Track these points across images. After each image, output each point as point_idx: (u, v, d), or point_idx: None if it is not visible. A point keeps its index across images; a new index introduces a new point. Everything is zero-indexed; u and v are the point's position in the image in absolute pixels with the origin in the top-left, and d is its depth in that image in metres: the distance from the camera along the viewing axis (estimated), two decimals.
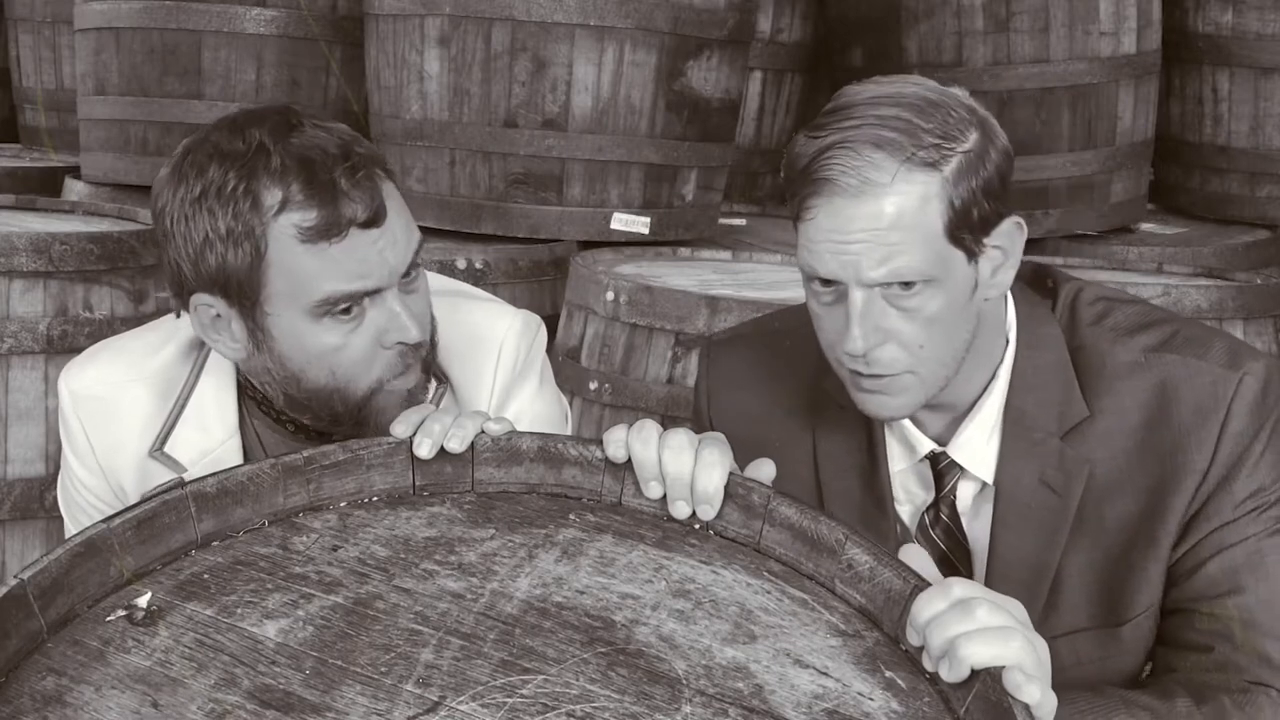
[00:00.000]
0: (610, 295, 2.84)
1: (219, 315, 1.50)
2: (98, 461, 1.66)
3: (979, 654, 1.10)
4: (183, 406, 1.64)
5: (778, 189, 4.96)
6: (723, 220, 4.15)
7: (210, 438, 1.62)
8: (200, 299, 1.49)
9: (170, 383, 1.65)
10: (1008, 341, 1.54)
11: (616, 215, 3.62)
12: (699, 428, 1.69)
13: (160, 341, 1.68)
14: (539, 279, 3.50)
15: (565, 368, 2.92)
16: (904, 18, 4.29)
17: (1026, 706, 1.08)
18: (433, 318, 1.57)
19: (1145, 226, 4.58)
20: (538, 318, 1.75)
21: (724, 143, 3.82)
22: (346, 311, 1.47)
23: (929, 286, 1.41)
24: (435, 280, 1.69)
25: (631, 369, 2.82)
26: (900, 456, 1.59)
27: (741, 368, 1.69)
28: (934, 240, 1.40)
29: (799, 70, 4.88)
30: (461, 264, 3.36)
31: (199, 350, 1.65)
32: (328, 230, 1.43)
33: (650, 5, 3.50)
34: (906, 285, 1.41)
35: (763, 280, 3.11)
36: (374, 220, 1.45)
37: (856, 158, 1.37)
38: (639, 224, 3.63)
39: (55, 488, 2.76)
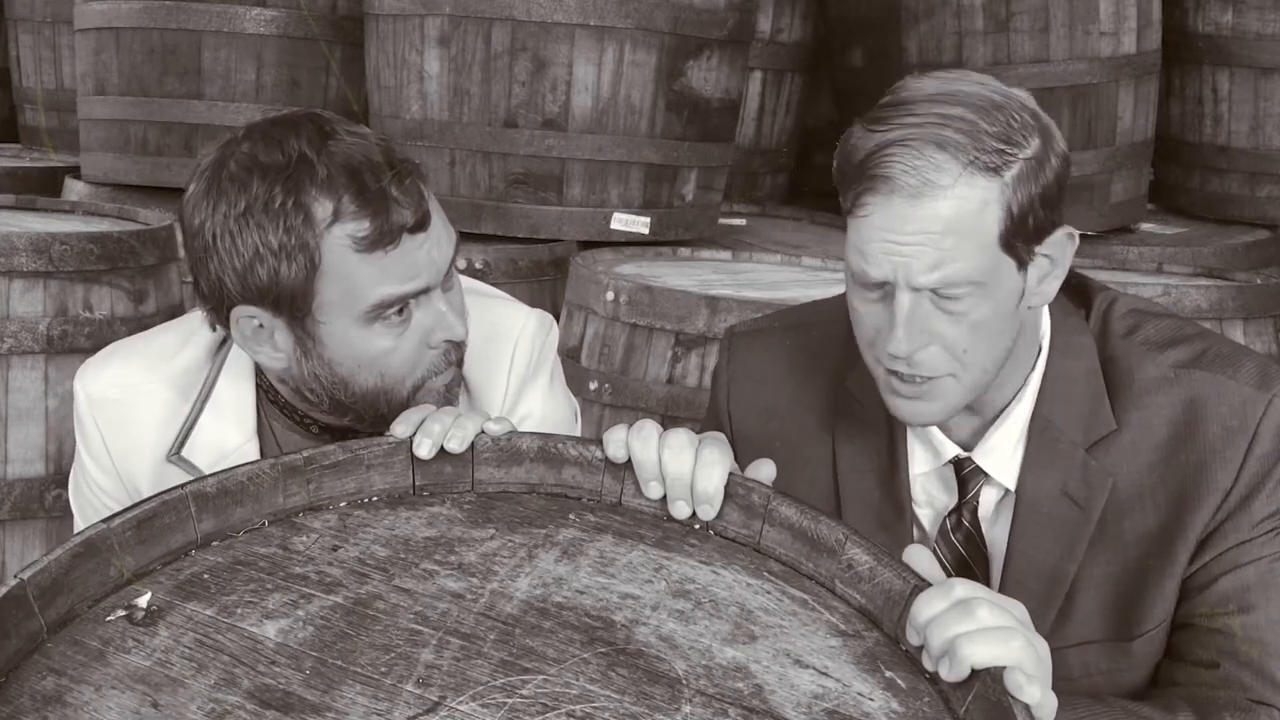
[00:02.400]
0: (610, 295, 2.84)
1: (261, 326, 1.50)
2: (113, 464, 1.66)
3: (979, 654, 1.10)
4: (201, 409, 1.63)
5: (777, 189, 4.96)
6: (723, 220, 4.14)
7: (229, 441, 1.62)
8: (243, 311, 1.49)
9: (189, 385, 1.64)
10: (1040, 349, 1.52)
11: (616, 215, 3.62)
12: (715, 419, 1.68)
13: (177, 344, 1.67)
14: (539, 279, 3.50)
15: (565, 368, 2.91)
16: (904, 18, 4.29)
17: (1027, 707, 1.07)
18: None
19: (1145, 226, 4.57)
20: (550, 316, 1.76)
21: (724, 143, 3.81)
22: (399, 313, 1.48)
23: (977, 291, 1.39)
24: None
25: (631, 369, 2.82)
26: (923, 460, 1.57)
27: (763, 361, 1.67)
28: (987, 247, 1.37)
29: (799, 70, 4.88)
30: (461, 264, 3.35)
31: (217, 353, 1.65)
32: (382, 239, 1.44)
33: (650, 5, 3.50)
34: (954, 289, 1.38)
35: (763, 280, 3.10)
36: (421, 224, 1.46)
37: (918, 157, 1.34)
38: (639, 224, 3.63)
39: (55, 488, 2.77)
